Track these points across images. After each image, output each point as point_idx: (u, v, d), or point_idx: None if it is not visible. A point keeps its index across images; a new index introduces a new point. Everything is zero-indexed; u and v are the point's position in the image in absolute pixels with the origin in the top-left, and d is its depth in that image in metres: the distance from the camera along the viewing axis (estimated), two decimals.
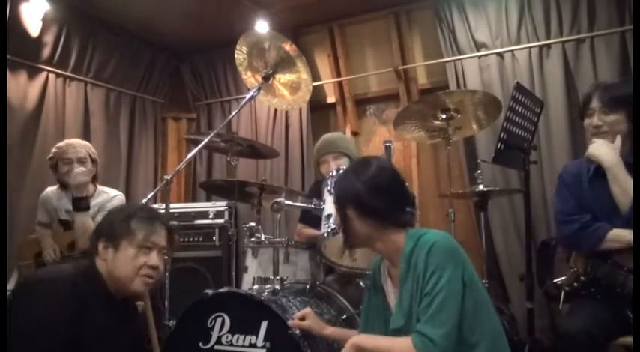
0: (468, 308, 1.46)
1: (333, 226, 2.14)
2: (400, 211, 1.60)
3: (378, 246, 1.63)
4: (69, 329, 1.46)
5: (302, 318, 1.80)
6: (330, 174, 2.28)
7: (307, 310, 1.83)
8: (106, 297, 1.62)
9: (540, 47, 3.39)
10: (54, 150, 2.86)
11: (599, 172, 1.97)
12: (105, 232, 1.65)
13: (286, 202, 2.28)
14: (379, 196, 1.56)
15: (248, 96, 2.66)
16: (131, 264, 1.60)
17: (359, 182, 1.58)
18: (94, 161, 2.90)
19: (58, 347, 1.43)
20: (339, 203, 1.63)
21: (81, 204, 2.66)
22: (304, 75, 2.72)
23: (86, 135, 3.86)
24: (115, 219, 1.67)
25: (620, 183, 1.85)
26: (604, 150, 1.90)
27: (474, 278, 1.50)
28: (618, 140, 1.91)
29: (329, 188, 2.25)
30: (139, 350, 1.76)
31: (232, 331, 1.90)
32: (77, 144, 2.88)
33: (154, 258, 1.64)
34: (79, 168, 2.73)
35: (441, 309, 1.41)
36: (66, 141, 2.92)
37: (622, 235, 1.84)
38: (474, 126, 2.82)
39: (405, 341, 1.45)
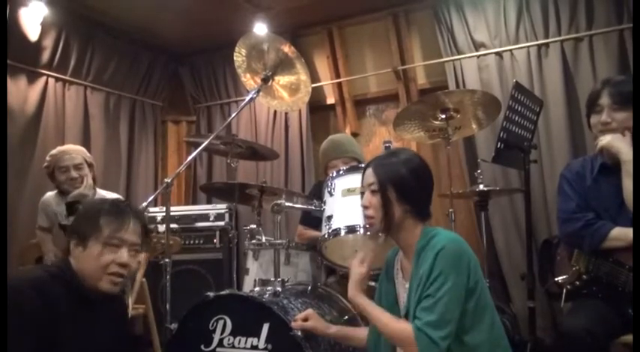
0: (469, 312, 1.48)
1: (333, 227, 2.14)
2: (426, 203, 1.65)
3: (400, 235, 1.64)
4: (40, 339, 1.42)
5: (305, 319, 1.80)
6: (331, 175, 2.28)
7: (309, 311, 1.83)
8: (81, 297, 1.55)
9: (539, 46, 3.39)
10: (48, 158, 2.85)
11: (603, 170, 1.96)
12: (75, 229, 1.59)
13: (287, 204, 2.28)
14: (417, 179, 1.61)
15: (247, 98, 2.66)
16: (96, 262, 1.53)
17: (400, 164, 1.62)
18: (90, 165, 2.90)
19: None
20: (381, 183, 1.61)
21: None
22: (303, 76, 2.72)
23: (86, 139, 3.86)
24: (85, 215, 1.61)
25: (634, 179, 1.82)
26: (623, 144, 1.86)
27: (478, 284, 1.51)
28: (629, 136, 1.87)
29: (329, 189, 2.25)
30: (123, 347, 1.72)
31: (234, 333, 1.90)
32: (72, 151, 2.87)
33: (123, 256, 1.55)
34: (82, 187, 2.77)
35: (444, 313, 1.43)
36: (59, 148, 2.91)
37: (625, 233, 1.83)
38: (474, 126, 2.82)
39: (405, 328, 1.47)
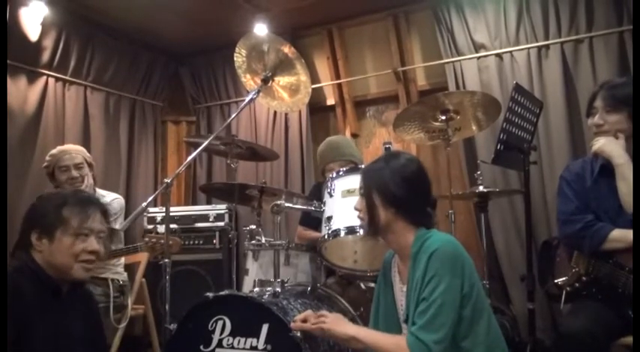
0: (466, 316, 1.48)
1: (333, 228, 2.14)
2: (419, 208, 1.64)
3: (390, 238, 1.65)
4: (17, 335, 1.45)
5: (304, 320, 1.79)
6: (331, 176, 2.28)
7: (309, 312, 1.83)
8: (51, 289, 1.59)
9: (539, 48, 3.39)
10: (48, 158, 2.85)
11: (603, 172, 1.96)
12: (36, 223, 1.61)
13: (286, 204, 2.28)
14: (404, 185, 1.61)
15: (247, 98, 2.66)
16: (68, 252, 1.57)
17: (387, 169, 1.63)
18: (90, 165, 2.90)
19: None
20: (366, 188, 1.66)
21: None
22: (303, 77, 2.72)
23: (86, 139, 3.86)
24: (46, 208, 1.62)
25: (628, 182, 1.83)
26: (615, 147, 1.88)
27: (474, 288, 1.50)
28: (622, 139, 1.89)
29: (329, 190, 2.25)
30: (95, 336, 1.73)
31: (233, 334, 1.90)
32: (72, 150, 2.87)
33: (92, 244, 1.61)
34: (82, 187, 2.76)
35: (437, 316, 1.43)
36: (59, 147, 2.91)
37: (625, 235, 1.84)
38: (474, 127, 2.82)
39: (399, 342, 1.47)
